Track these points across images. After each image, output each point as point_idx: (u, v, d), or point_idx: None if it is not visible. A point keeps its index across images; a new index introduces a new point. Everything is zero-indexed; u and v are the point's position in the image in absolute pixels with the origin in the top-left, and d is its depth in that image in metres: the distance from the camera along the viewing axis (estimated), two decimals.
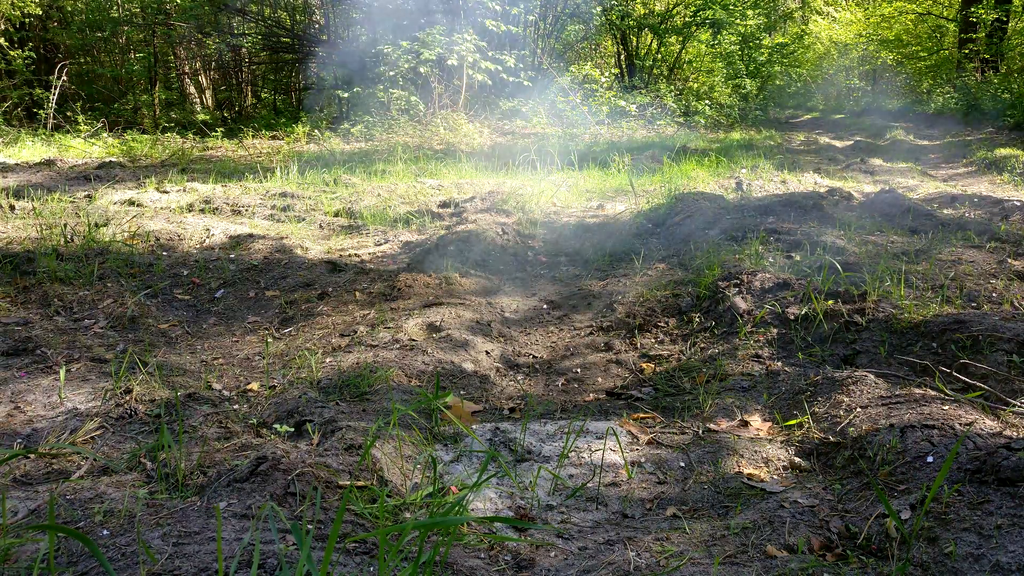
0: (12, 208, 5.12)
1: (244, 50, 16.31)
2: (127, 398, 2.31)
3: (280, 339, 3.10)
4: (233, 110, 16.20)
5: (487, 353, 2.94)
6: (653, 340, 3.09)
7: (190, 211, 5.45)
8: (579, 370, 2.85)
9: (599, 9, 16.08)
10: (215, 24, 15.51)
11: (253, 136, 12.38)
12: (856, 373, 2.39)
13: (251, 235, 4.78)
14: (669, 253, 4.44)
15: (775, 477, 1.97)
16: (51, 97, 12.06)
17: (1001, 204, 5.70)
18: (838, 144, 12.34)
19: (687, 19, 16.81)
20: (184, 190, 6.16)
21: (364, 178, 7.18)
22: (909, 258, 3.69)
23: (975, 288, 3.19)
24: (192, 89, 16.12)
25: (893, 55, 22.54)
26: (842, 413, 2.17)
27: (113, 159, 8.79)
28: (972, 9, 17.06)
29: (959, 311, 2.85)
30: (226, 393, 2.48)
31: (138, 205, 5.51)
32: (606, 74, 15.75)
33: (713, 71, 16.75)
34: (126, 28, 14.98)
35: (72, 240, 4.28)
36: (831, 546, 1.60)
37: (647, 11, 17.03)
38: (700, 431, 2.24)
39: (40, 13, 13.13)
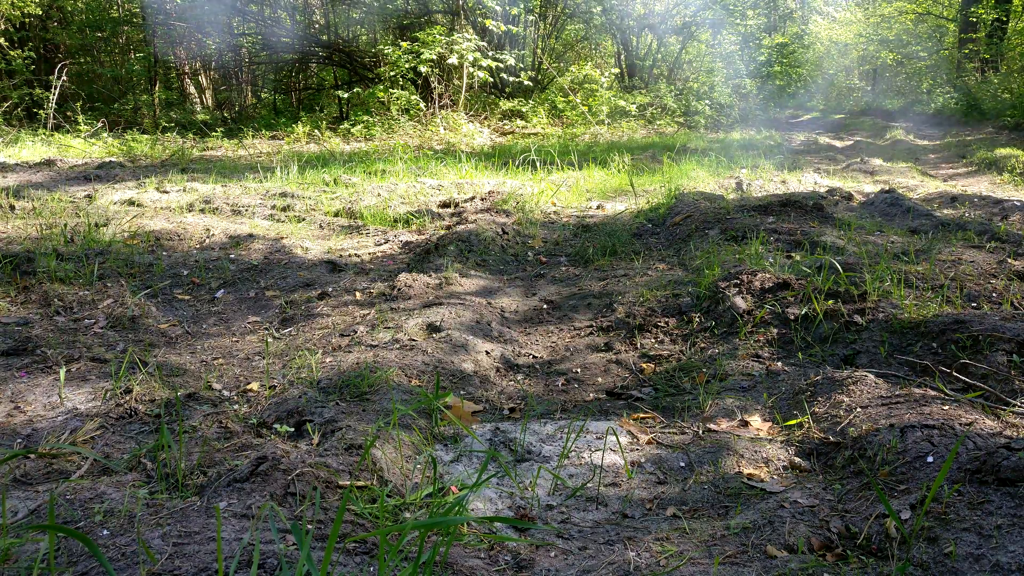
0: (12, 208, 5.12)
1: (244, 50, 16.31)
2: (127, 398, 2.31)
3: (280, 339, 3.10)
4: (233, 110, 16.20)
5: (487, 353, 2.94)
6: (653, 340, 3.09)
7: (190, 211, 5.45)
8: (579, 370, 2.85)
9: (599, 9, 16.08)
10: (215, 24, 15.50)
11: (253, 136, 12.38)
12: (856, 373, 2.39)
13: (251, 235, 4.78)
14: (669, 253, 4.44)
15: (775, 477, 1.97)
16: (51, 97, 12.06)
17: (1001, 204, 5.70)
18: (838, 144, 12.34)
19: (687, 19, 16.81)
20: (184, 190, 6.16)
21: (364, 178, 7.19)
22: (909, 258, 3.69)
23: (975, 288, 3.19)
24: (192, 89, 16.12)
25: (893, 55, 22.55)
26: (842, 413, 2.17)
27: (113, 159, 8.79)
28: (972, 9, 17.07)
29: (959, 311, 2.85)
30: (226, 393, 2.48)
31: (138, 205, 5.51)
32: (606, 74, 15.75)
33: (713, 71, 16.75)
34: (126, 28, 14.97)
35: (72, 240, 4.28)
36: (831, 546, 1.60)
37: (647, 11, 17.02)
38: (700, 431, 2.24)
39: (40, 13, 13.13)
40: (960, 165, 9.49)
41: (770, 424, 2.26)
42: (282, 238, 4.81)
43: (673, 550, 1.60)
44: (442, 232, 4.95)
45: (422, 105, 13.07)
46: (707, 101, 15.60)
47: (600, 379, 2.77)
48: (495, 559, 1.59)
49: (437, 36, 12.92)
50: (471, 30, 13.69)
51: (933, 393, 2.22)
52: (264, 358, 2.84)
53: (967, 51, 17.67)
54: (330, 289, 3.77)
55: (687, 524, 1.75)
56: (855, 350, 2.70)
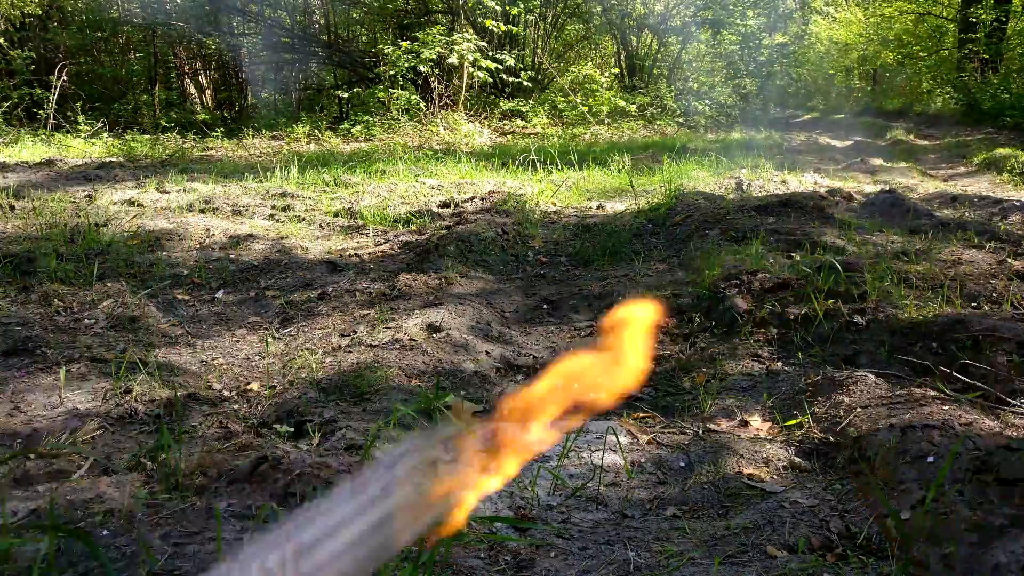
0: (12, 208, 5.12)
1: (244, 50, 16.32)
2: (127, 398, 2.31)
3: (280, 339, 3.10)
4: (233, 110, 16.20)
5: (487, 353, 2.94)
6: (653, 340, 3.09)
7: (190, 211, 5.44)
8: None
9: (599, 9, 16.09)
10: (215, 24, 15.51)
11: (253, 136, 12.37)
12: (856, 373, 2.39)
13: (251, 235, 4.78)
14: (669, 253, 4.44)
15: (775, 477, 1.97)
16: (51, 97, 12.06)
17: (1001, 204, 5.70)
18: (838, 144, 12.34)
19: (687, 19, 16.81)
20: (184, 190, 6.16)
21: (364, 178, 7.18)
22: (909, 258, 3.69)
23: (975, 288, 3.19)
24: (192, 89, 16.12)
25: (893, 55, 22.54)
26: (842, 413, 2.17)
27: (113, 159, 8.79)
28: (972, 9, 17.05)
29: (959, 311, 2.85)
30: (226, 393, 2.48)
31: (138, 205, 5.51)
32: (606, 74, 15.75)
33: (713, 71, 16.76)
34: (126, 28, 14.97)
35: (72, 240, 4.28)
36: (831, 546, 1.60)
37: (647, 11, 17.03)
38: (700, 431, 2.24)
39: (40, 13, 13.13)
40: (960, 165, 9.48)
41: (770, 424, 2.26)
42: (282, 238, 4.80)
43: (673, 550, 1.60)
44: (442, 232, 4.94)
45: (422, 105, 13.06)
46: (707, 101, 15.59)
47: None
48: (495, 559, 1.59)
49: (437, 36, 12.92)
50: (471, 30, 13.70)
51: (933, 393, 2.22)
52: (264, 358, 2.84)
53: (967, 51, 17.66)
54: (330, 289, 3.77)
55: (687, 524, 1.75)
56: (855, 350, 2.70)
